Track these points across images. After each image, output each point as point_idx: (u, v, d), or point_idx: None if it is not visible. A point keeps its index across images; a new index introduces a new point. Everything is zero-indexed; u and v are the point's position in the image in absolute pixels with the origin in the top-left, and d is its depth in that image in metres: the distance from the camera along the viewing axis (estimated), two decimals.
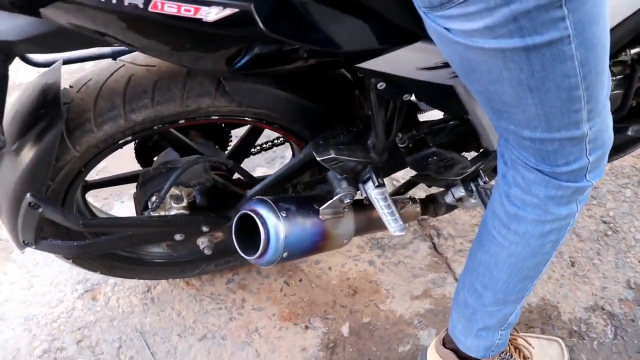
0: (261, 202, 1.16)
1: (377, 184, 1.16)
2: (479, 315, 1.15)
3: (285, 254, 1.14)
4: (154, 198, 1.26)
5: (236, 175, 1.43)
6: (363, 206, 1.27)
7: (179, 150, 1.35)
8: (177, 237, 1.32)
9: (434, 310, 1.61)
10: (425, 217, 1.59)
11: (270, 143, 1.64)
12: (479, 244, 1.08)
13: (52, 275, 1.73)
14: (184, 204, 1.28)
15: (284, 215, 1.13)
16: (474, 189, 1.36)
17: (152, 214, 1.25)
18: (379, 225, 1.26)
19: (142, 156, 1.45)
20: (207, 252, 1.39)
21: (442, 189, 1.45)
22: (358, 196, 1.25)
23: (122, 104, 1.09)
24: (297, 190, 1.37)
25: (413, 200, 1.47)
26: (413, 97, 1.12)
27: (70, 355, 1.55)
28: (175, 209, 1.28)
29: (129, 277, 1.64)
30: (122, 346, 1.53)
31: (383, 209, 1.18)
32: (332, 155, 1.09)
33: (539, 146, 0.81)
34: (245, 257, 1.16)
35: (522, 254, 1.00)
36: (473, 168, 1.34)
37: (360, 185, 1.23)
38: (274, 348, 1.54)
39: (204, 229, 1.33)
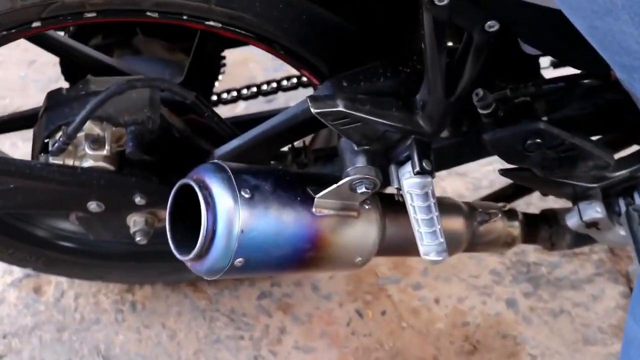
0: (215, 169, 1.17)
1: (418, 168, 1.12)
2: None
3: (239, 262, 1.14)
4: (58, 135, 1.29)
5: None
6: (399, 205, 1.25)
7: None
8: (92, 206, 1.36)
9: None
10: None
11: (276, 84, 1.66)
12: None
13: None
14: (106, 152, 1.30)
15: (246, 195, 1.13)
16: (622, 208, 1.30)
17: (52, 159, 1.29)
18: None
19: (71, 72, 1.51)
20: (139, 239, 1.43)
21: (567, 205, 1.41)
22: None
23: None
24: (300, 160, 1.38)
25: (510, 214, 1.44)
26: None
27: None
28: (91, 160, 1.31)
29: (83, 277, 1.74)
30: None
31: (417, 212, 1.15)
32: (339, 109, 1.08)
33: None
34: (177, 254, 1.18)
35: None
36: (624, 173, 1.28)
37: (392, 169, 1.20)
38: None
39: (138, 199, 1.36)
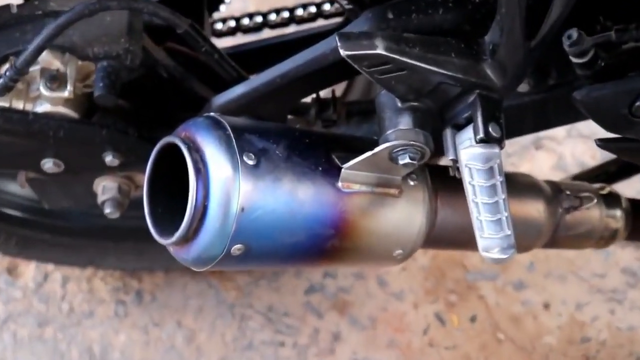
0: (210, 124, 1.15)
1: (482, 134, 1.10)
2: None
3: (237, 249, 1.13)
4: (4, 67, 1.29)
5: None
6: (455, 183, 1.22)
7: None
8: (48, 165, 1.36)
9: None
10: None
11: (315, 8, 1.64)
12: None
13: None
14: (67, 93, 1.30)
15: (250, 161, 1.11)
16: None
17: None
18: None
19: None
20: (109, 212, 1.44)
21: None
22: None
23: None
24: (326, 116, 1.38)
25: (610, 199, 1.43)
26: None
27: None
28: (47, 103, 1.31)
29: (68, 262, 1.81)
30: None
31: (477, 193, 1.13)
32: (378, 52, 1.07)
33: None
34: (156, 236, 1.18)
35: None
36: None
37: (447, 134, 1.18)
38: None
39: (109, 159, 1.35)
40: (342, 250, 1.22)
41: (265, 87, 1.28)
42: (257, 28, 1.69)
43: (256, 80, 1.29)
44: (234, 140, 1.12)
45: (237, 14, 1.73)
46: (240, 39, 1.65)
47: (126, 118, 1.34)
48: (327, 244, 1.19)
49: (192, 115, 1.32)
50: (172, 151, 1.15)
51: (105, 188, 1.41)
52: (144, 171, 1.30)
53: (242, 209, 1.10)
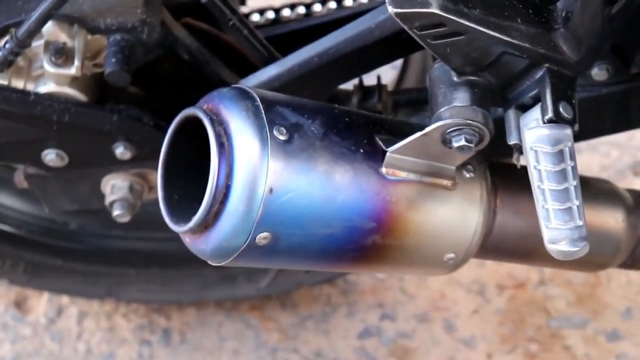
0: (237, 95, 1.15)
1: (550, 114, 1.09)
2: None
3: (263, 238, 1.12)
4: (3, 40, 1.29)
5: None
6: (519, 176, 1.24)
7: None
8: (50, 156, 1.36)
9: None
10: None
11: None
12: None
13: None
14: (75, 70, 1.29)
15: (280, 137, 1.11)
16: None
17: None
18: None
19: None
20: (118, 214, 1.43)
21: None
22: None
23: None
24: (370, 105, 1.37)
25: None
26: None
27: None
28: (52, 82, 1.31)
29: (83, 293, 1.79)
30: None
31: (544, 178, 1.12)
32: (432, 10, 1.07)
33: None
34: (170, 223, 1.17)
35: None
36: None
37: (510, 115, 1.18)
38: None
39: (120, 150, 1.36)
40: (384, 249, 1.21)
41: (301, 68, 1.29)
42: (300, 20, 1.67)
43: (290, 60, 1.30)
44: (263, 112, 1.12)
45: (276, 4, 1.71)
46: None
47: (140, 104, 1.35)
48: (367, 240, 1.19)
49: None
50: (191, 128, 1.16)
51: (114, 187, 1.41)
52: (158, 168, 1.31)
53: (271, 190, 1.10)
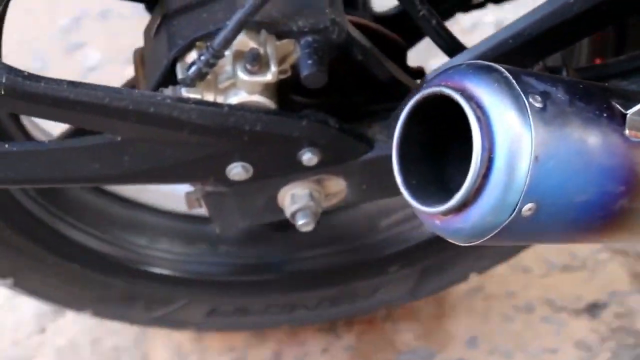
0: (480, 68, 1.14)
1: None
2: None
3: (528, 209, 1.11)
4: (191, 54, 1.28)
5: None
6: None
7: None
8: (236, 170, 1.34)
9: None
10: None
11: None
12: None
13: None
14: (270, 76, 1.28)
15: (537, 104, 1.10)
16: None
17: (186, 92, 1.28)
18: None
19: None
20: (302, 223, 1.41)
21: None
22: None
23: None
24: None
25: None
26: None
27: None
28: (244, 91, 1.29)
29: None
30: None
31: None
32: None
33: None
34: (421, 207, 1.15)
35: None
36: None
37: None
38: None
39: (307, 157, 1.34)
40: (630, 214, 1.19)
41: (493, 52, 1.29)
42: None
43: (484, 45, 1.29)
44: (514, 82, 1.11)
45: None
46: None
47: (323, 107, 1.34)
48: (616, 205, 1.17)
49: (387, 107, 1.32)
50: (422, 110, 1.15)
51: (295, 196, 1.39)
52: (337, 173, 1.29)
53: (536, 158, 1.08)
